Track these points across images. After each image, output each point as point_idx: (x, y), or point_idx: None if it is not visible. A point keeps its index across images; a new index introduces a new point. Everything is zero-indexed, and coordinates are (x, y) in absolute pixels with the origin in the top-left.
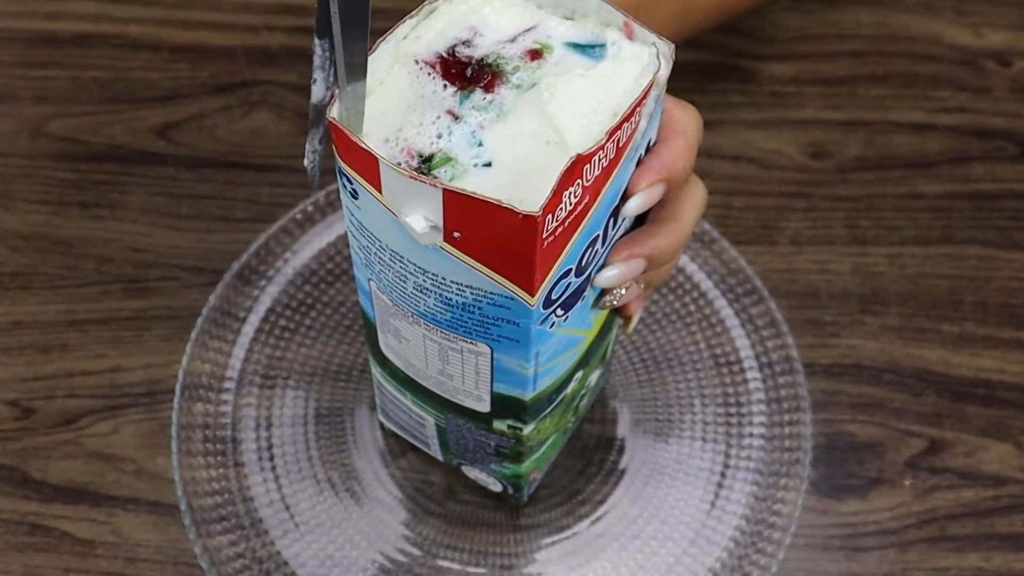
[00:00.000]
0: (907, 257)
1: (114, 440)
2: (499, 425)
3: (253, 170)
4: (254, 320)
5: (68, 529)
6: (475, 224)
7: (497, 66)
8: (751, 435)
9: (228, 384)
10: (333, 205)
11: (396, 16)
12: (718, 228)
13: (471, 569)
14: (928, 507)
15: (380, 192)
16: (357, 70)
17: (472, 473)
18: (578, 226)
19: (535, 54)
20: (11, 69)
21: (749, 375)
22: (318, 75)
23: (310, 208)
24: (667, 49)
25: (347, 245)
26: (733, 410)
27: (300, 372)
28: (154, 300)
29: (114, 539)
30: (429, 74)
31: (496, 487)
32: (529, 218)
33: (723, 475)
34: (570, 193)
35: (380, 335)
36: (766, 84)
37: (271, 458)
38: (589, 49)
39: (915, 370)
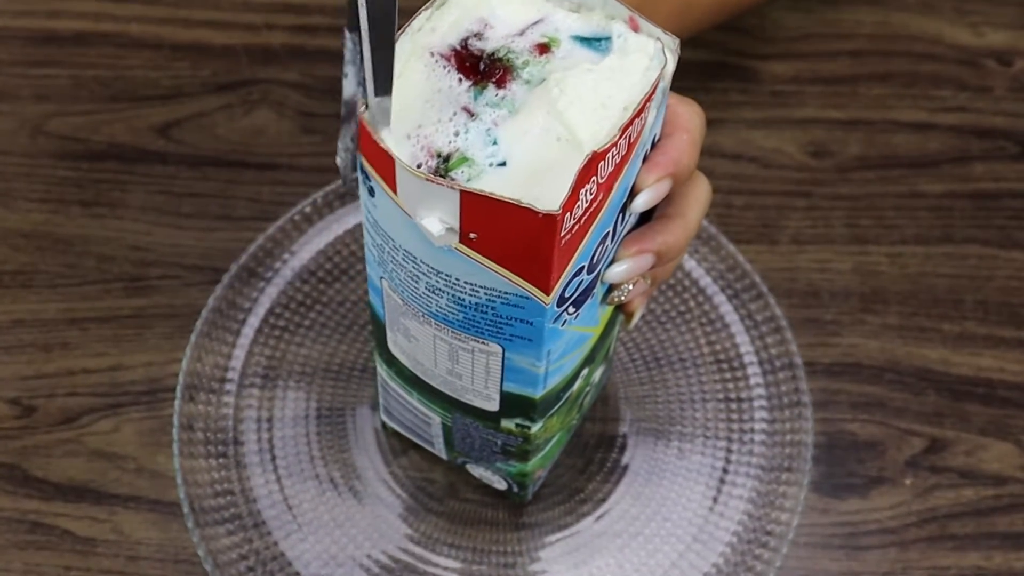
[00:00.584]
0: (908, 256)
1: (115, 438)
2: (507, 424)
3: (254, 169)
4: (255, 318)
5: (69, 527)
6: (492, 225)
7: (508, 60)
8: (752, 433)
9: (229, 382)
10: (333, 204)
11: (402, 12)
12: (719, 227)
13: (473, 567)
14: (929, 506)
15: (395, 193)
16: (384, 85)
17: (477, 471)
18: (592, 223)
19: (543, 48)
20: (11, 67)
21: (750, 374)
22: (349, 69)
23: (311, 207)
24: (672, 43)
25: (348, 243)
26: (734, 408)
27: (301, 370)
28: (155, 298)
29: (115, 537)
30: (444, 67)
31: (501, 485)
32: (549, 217)
33: (724, 474)
34: (586, 191)
35: (389, 333)
36: (767, 83)
37: (272, 457)
38: (595, 42)
39: (916, 369)
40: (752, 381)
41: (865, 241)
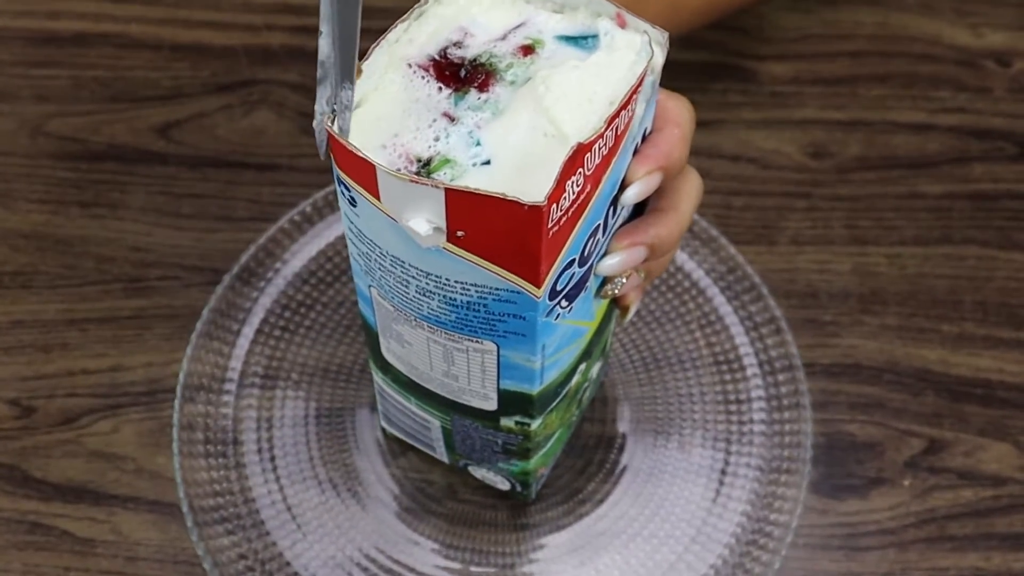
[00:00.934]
0: (907, 257)
1: (114, 439)
2: (506, 422)
3: (254, 169)
4: (255, 319)
5: (68, 528)
6: (479, 221)
7: (490, 65)
8: (751, 434)
9: (229, 383)
10: (333, 205)
11: (394, 15)
12: (718, 227)
13: (472, 568)
14: (927, 507)
15: (378, 199)
16: (347, 73)
17: (479, 473)
18: (580, 215)
19: (527, 50)
20: (12, 68)
21: (749, 374)
22: (324, 28)
23: (311, 208)
24: (660, 37)
25: (348, 245)
26: (733, 409)
27: (301, 372)
28: (155, 299)
29: (114, 538)
30: (423, 77)
31: (504, 485)
32: (535, 209)
33: (723, 474)
34: (573, 182)
35: (382, 340)
36: (766, 84)
37: (272, 458)
38: (581, 41)
39: (914, 370)
40: (751, 381)
41: (864, 242)
